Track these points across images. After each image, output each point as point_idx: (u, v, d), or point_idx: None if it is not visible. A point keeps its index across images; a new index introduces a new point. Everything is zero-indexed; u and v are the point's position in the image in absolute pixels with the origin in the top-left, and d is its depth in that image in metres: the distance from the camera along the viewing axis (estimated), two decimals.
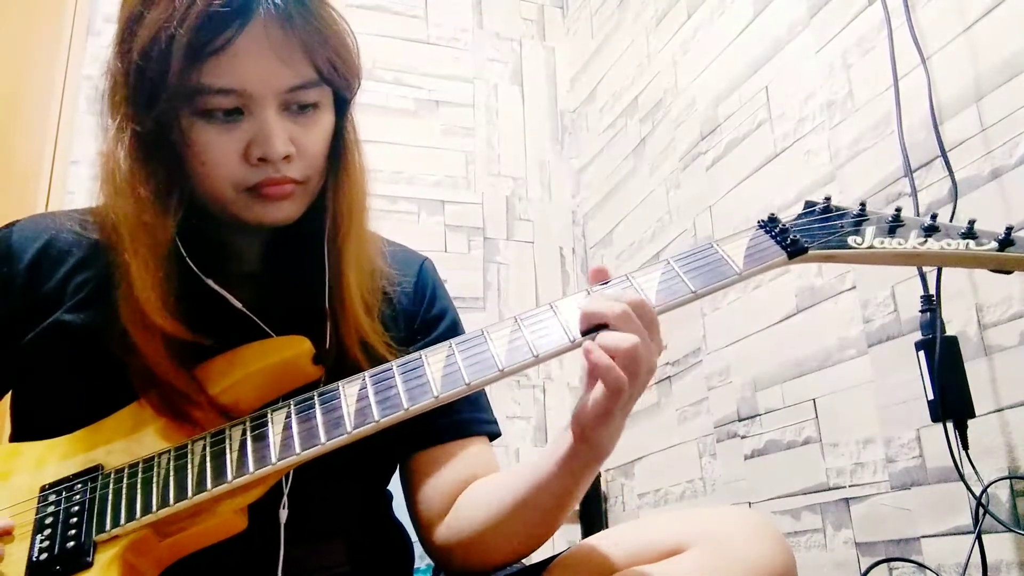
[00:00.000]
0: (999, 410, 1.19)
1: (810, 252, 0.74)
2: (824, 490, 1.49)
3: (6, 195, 1.88)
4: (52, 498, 0.73)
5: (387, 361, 0.74)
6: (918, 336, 1.25)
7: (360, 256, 0.85)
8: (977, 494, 1.17)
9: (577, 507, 2.17)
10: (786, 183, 1.64)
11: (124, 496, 0.71)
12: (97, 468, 0.74)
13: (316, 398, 0.73)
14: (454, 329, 0.94)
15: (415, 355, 0.73)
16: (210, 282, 0.81)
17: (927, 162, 1.32)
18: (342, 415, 0.71)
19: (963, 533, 1.23)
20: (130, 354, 0.76)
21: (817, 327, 1.54)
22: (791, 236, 0.74)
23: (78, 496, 0.72)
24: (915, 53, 1.33)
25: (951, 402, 1.20)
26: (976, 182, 1.24)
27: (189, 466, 0.71)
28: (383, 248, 0.92)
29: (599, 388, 0.67)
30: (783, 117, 1.67)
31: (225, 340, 0.79)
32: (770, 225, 0.76)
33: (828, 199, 0.79)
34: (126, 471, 0.73)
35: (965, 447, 1.18)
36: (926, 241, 0.73)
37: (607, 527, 1.91)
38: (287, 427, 0.72)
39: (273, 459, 0.70)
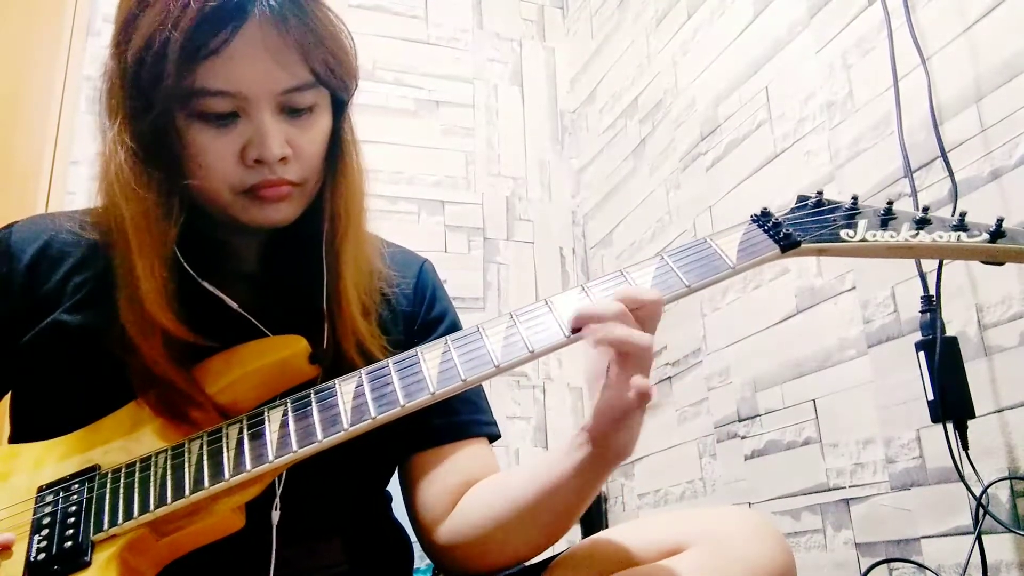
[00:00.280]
0: (999, 410, 1.19)
1: (803, 245, 0.74)
2: (824, 490, 1.49)
3: (6, 195, 1.88)
4: (50, 498, 0.73)
5: None
6: (918, 336, 1.25)
7: (358, 258, 0.85)
8: (977, 494, 1.17)
9: None
10: (786, 183, 1.64)
11: (121, 496, 0.71)
12: (95, 468, 0.74)
13: (313, 396, 0.73)
14: (454, 331, 0.94)
15: (411, 352, 0.73)
16: (206, 284, 0.81)
17: (927, 162, 1.32)
18: (339, 412, 0.71)
19: (963, 534, 1.23)
20: (130, 354, 0.75)
21: (817, 327, 1.53)
22: (784, 230, 0.75)
23: (75, 496, 0.72)
24: (915, 53, 1.33)
25: (951, 402, 1.19)
26: (976, 182, 1.24)
27: (186, 465, 0.71)
28: (382, 249, 0.92)
29: (613, 391, 0.68)
30: (783, 117, 1.67)
31: (223, 341, 0.78)
32: (763, 219, 0.77)
33: (820, 193, 0.79)
34: (123, 471, 0.73)
35: (965, 447, 1.18)
36: (918, 234, 0.73)
37: (607, 527, 1.91)
38: (284, 425, 0.72)
39: (270, 457, 0.70)
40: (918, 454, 1.31)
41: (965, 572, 1.18)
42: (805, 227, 0.76)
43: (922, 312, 1.25)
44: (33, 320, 0.80)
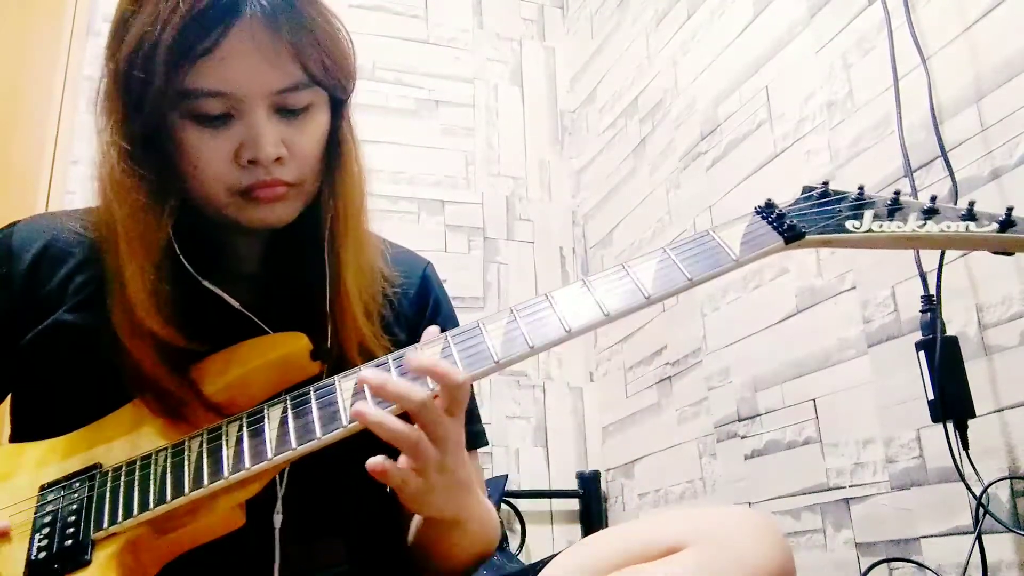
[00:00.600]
0: (999, 410, 1.19)
1: (807, 237, 0.72)
2: (824, 490, 1.49)
3: (6, 195, 1.88)
4: (51, 497, 0.73)
5: None
6: (918, 336, 1.25)
7: (360, 258, 0.85)
8: (977, 494, 1.17)
9: (577, 507, 2.17)
10: (786, 183, 1.64)
11: (122, 494, 0.71)
12: (96, 467, 0.74)
13: (312, 393, 0.73)
14: None
15: (410, 348, 0.73)
16: (206, 283, 0.80)
17: (927, 162, 1.32)
18: (338, 409, 0.71)
19: (963, 533, 1.22)
20: (121, 356, 0.75)
21: (817, 327, 1.53)
22: (788, 221, 0.73)
23: (76, 495, 0.72)
24: (915, 53, 1.33)
25: (951, 402, 1.19)
26: (976, 182, 1.24)
27: (186, 463, 0.71)
28: (384, 250, 0.92)
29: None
30: (783, 117, 1.67)
31: (224, 341, 0.78)
32: (767, 211, 0.75)
33: (826, 183, 0.77)
34: (124, 469, 0.72)
35: (965, 447, 1.18)
36: (925, 224, 0.71)
37: (607, 527, 1.91)
38: (283, 422, 0.71)
39: (270, 454, 0.70)
40: (918, 454, 1.31)
41: (965, 572, 1.18)
42: (810, 218, 0.74)
43: (922, 312, 1.25)
44: (34, 320, 0.80)
